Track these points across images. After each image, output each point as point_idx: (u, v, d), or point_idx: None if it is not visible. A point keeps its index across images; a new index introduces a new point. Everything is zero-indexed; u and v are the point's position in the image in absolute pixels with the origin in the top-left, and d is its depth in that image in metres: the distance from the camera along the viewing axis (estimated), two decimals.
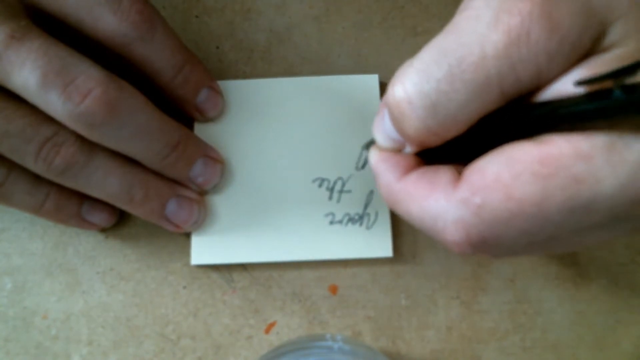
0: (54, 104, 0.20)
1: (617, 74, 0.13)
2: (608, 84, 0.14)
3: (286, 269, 0.26)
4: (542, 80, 0.16)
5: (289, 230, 0.26)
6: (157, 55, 0.23)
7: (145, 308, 0.26)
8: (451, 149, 0.19)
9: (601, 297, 0.26)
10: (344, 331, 0.26)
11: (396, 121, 0.18)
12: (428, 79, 0.16)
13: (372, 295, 0.26)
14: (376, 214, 0.26)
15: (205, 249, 0.26)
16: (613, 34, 0.15)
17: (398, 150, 0.20)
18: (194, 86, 0.25)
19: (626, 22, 0.15)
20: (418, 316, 0.26)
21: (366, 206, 0.26)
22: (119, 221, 0.27)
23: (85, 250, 0.27)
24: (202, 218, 0.26)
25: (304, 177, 0.26)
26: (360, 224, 0.26)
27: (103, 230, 0.27)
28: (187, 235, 0.26)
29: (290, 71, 0.29)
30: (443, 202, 0.17)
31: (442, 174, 0.18)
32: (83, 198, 0.25)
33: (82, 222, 0.25)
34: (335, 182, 0.26)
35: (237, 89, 0.27)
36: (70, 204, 0.25)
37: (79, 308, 0.26)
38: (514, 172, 0.16)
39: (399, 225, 0.27)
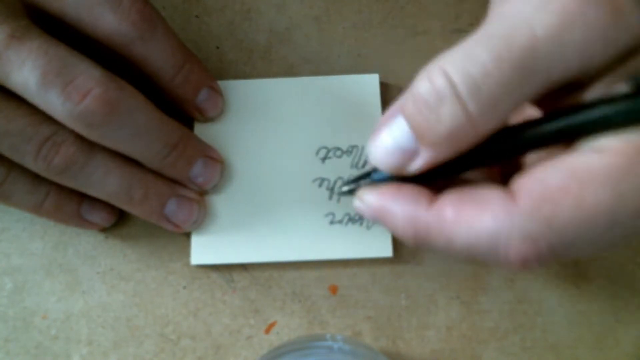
0: (53, 103, 0.20)
1: None
2: None
3: (286, 269, 0.26)
4: (591, 72, 0.15)
5: (289, 230, 0.26)
6: (157, 55, 0.23)
7: (145, 308, 0.26)
8: (455, 168, 0.17)
9: (601, 297, 0.26)
10: (344, 331, 0.26)
11: (426, 115, 0.16)
12: (471, 61, 0.15)
13: (372, 295, 0.26)
14: None
15: (205, 249, 0.26)
16: None
17: (402, 168, 0.18)
18: (194, 86, 0.25)
19: None
20: (418, 316, 0.26)
21: None
22: (118, 221, 0.27)
23: (86, 250, 0.27)
24: (201, 218, 0.26)
25: (304, 177, 0.26)
26: (361, 224, 0.26)
27: (103, 230, 0.27)
28: (187, 235, 0.26)
29: (290, 71, 0.29)
30: (503, 218, 0.16)
31: (490, 190, 0.17)
32: (83, 197, 0.25)
33: (82, 222, 0.25)
34: (335, 182, 0.26)
35: (237, 89, 0.27)
36: (69, 203, 0.25)
37: (79, 308, 0.26)
38: (582, 181, 0.15)
39: None
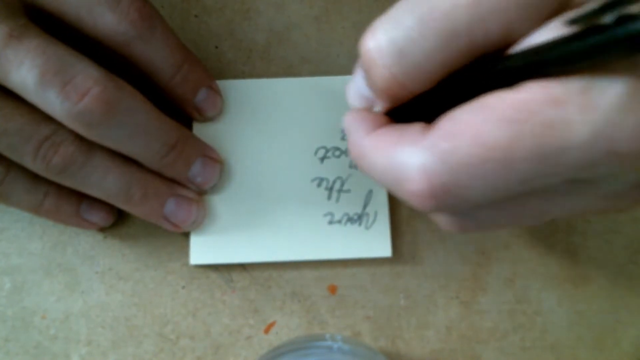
0: (52, 103, 0.20)
1: (599, 11, 0.12)
2: (593, 21, 0.13)
3: (285, 269, 0.26)
4: (514, 35, 0.15)
5: (288, 230, 0.26)
6: (156, 54, 0.23)
7: (144, 308, 0.26)
8: (422, 109, 0.18)
9: (601, 297, 0.26)
10: (344, 331, 0.26)
11: (367, 72, 0.18)
12: (398, 27, 0.16)
13: (371, 295, 0.26)
14: (375, 214, 0.26)
15: (204, 249, 0.26)
16: None
17: (370, 109, 0.19)
18: (192, 85, 0.25)
19: None
20: (417, 316, 0.26)
21: (365, 206, 0.26)
22: (117, 221, 0.27)
23: (84, 250, 0.27)
24: (200, 218, 0.26)
25: (303, 177, 0.26)
26: (360, 224, 0.26)
27: (102, 230, 0.27)
28: (186, 235, 0.26)
29: (289, 71, 0.29)
30: (409, 149, 0.16)
31: (413, 126, 0.17)
32: (82, 197, 0.25)
33: (81, 221, 0.25)
34: (334, 182, 0.26)
35: (236, 89, 0.27)
36: (68, 203, 0.25)
37: (78, 308, 0.26)
38: (485, 117, 0.15)
39: (398, 225, 0.27)
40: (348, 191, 0.26)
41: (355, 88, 0.20)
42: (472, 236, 0.26)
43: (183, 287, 0.26)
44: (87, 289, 0.26)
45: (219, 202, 0.26)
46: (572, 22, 0.13)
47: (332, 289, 0.26)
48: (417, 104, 0.18)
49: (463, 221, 0.19)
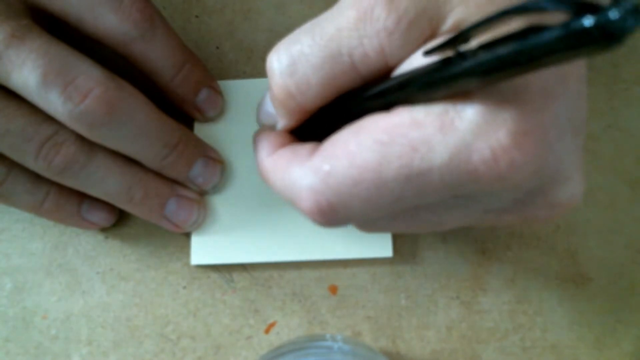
0: (54, 103, 0.20)
1: (452, 42, 0.14)
2: (450, 53, 0.14)
3: (286, 269, 0.26)
4: (390, 59, 0.17)
5: (288, 230, 0.26)
6: (157, 54, 0.23)
7: (145, 308, 0.26)
8: (317, 129, 0.20)
9: (601, 297, 0.26)
10: (344, 331, 0.26)
11: (269, 87, 0.19)
12: (295, 43, 0.18)
13: (372, 295, 0.26)
14: None
15: (205, 249, 0.26)
16: (452, 19, 0.16)
17: (273, 127, 0.21)
18: (193, 85, 0.25)
19: (466, 7, 0.15)
20: (418, 316, 0.26)
21: None
22: (118, 221, 0.27)
23: (85, 251, 0.27)
24: (201, 218, 0.26)
25: None
26: None
27: (103, 230, 0.27)
28: (187, 236, 0.26)
29: None
30: (298, 170, 0.18)
31: (304, 147, 0.19)
32: (83, 197, 0.25)
33: (82, 222, 0.25)
34: None
35: (237, 89, 0.27)
36: (70, 203, 0.25)
37: (78, 308, 0.26)
38: (359, 140, 0.16)
39: None
40: None
41: (264, 105, 0.21)
42: (473, 236, 0.26)
43: (184, 288, 0.26)
44: (88, 289, 0.26)
45: (219, 203, 0.26)
46: (427, 53, 0.15)
47: (333, 289, 0.26)
48: (312, 124, 0.20)
49: (367, 227, 0.20)
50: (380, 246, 0.25)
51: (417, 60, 0.16)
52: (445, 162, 0.15)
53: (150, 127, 0.23)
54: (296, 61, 0.18)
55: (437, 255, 0.26)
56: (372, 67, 0.17)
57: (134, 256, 0.27)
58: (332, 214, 0.17)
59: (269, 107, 0.21)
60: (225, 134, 0.27)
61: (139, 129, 0.22)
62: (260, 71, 0.29)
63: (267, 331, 0.26)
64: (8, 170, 0.23)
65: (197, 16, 0.29)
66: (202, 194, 0.26)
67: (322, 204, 0.17)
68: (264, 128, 0.22)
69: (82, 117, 0.21)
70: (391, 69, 0.17)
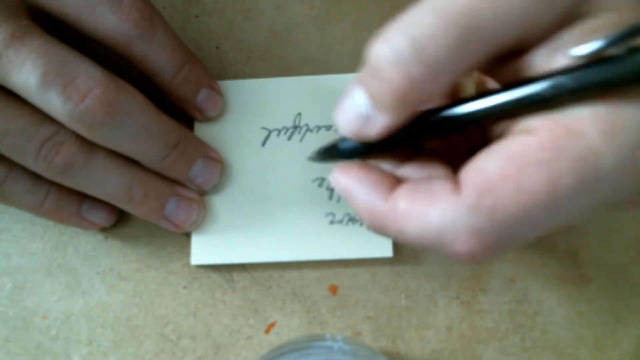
0: (53, 103, 0.20)
1: (623, 38, 0.13)
2: (607, 51, 0.13)
3: (286, 269, 0.26)
4: (529, 38, 0.16)
5: (289, 230, 0.26)
6: (157, 54, 0.23)
7: (145, 308, 0.26)
8: (412, 137, 0.18)
9: (601, 297, 0.26)
10: (344, 331, 0.26)
11: (374, 81, 0.17)
12: (416, 25, 0.15)
13: (372, 295, 0.26)
14: None
15: (205, 249, 0.26)
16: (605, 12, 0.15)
17: (362, 132, 0.18)
18: (193, 86, 0.25)
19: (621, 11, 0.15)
20: (418, 316, 0.26)
21: None
22: (118, 221, 0.27)
23: (85, 251, 0.27)
24: (201, 218, 0.26)
25: (304, 177, 0.26)
26: (361, 224, 0.26)
27: (103, 230, 0.27)
28: (187, 235, 0.26)
29: (290, 71, 0.29)
30: (449, 212, 0.16)
31: (439, 184, 0.17)
32: (83, 197, 0.25)
33: (82, 222, 0.25)
34: None
35: (237, 89, 0.27)
36: (70, 203, 0.25)
37: (78, 308, 0.26)
38: (518, 165, 0.15)
39: None
40: None
41: (350, 106, 0.18)
42: None
43: (184, 287, 0.26)
44: (88, 289, 0.26)
45: (219, 203, 0.26)
46: (581, 55, 0.14)
47: (333, 289, 0.26)
48: (416, 126, 0.18)
49: (507, 252, 0.19)
50: (380, 246, 0.25)
51: (554, 61, 0.15)
52: (616, 166, 0.14)
53: (150, 127, 0.23)
54: (423, 44, 0.15)
55: (437, 255, 0.26)
56: (511, 41, 0.15)
57: (134, 256, 0.27)
58: (497, 248, 0.16)
59: (362, 108, 0.17)
60: (225, 134, 0.27)
61: (138, 129, 0.22)
62: (260, 71, 0.29)
63: (267, 331, 0.26)
64: (8, 170, 0.23)
65: (197, 16, 0.29)
66: (202, 193, 0.26)
67: (486, 242, 0.16)
68: (353, 168, 0.19)
69: (82, 117, 0.21)
70: (527, 45, 0.16)
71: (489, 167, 0.16)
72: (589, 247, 0.26)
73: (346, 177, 0.19)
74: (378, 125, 0.17)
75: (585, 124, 0.14)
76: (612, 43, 0.13)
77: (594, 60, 0.14)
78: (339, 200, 0.26)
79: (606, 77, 0.13)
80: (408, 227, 0.17)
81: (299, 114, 0.27)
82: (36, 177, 0.23)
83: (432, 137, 0.18)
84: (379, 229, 0.18)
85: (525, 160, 0.15)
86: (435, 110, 0.17)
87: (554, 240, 0.26)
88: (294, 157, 0.27)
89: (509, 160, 0.15)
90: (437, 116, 0.17)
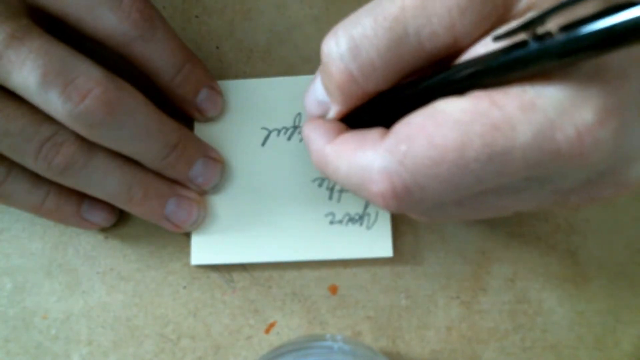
0: (53, 103, 0.20)
1: (527, 26, 0.14)
2: (523, 36, 0.14)
3: (286, 269, 0.26)
4: (460, 40, 0.16)
5: (289, 230, 0.26)
6: (157, 54, 0.23)
7: (145, 308, 0.26)
8: (374, 115, 0.19)
9: (601, 297, 0.26)
10: (344, 331, 0.26)
11: (325, 72, 0.19)
12: (356, 25, 0.17)
13: (372, 295, 0.26)
14: (376, 214, 0.26)
15: (205, 249, 0.26)
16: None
17: (323, 117, 0.21)
18: (193, 86, 0.25)
19: None
20: (418, 316, 0.26)
21: (366, 206, 0.26)
22: (118, 221, 0.27)
23: (85, 251, 0.27)
24: (201, 218, 0.26)
25: (304, 177, 0.26)
26: (361, 224, 0.26)
27: (103, 230, 0.27)
28: (187, 236, 0.26)
29: (290, 71, 0.29)
30: (370, 153, 0.17)
31: (372, 131, 0.18)
32: (83, 197, 0.25)
33: (82, 222, 0.25)
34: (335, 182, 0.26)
35: (237, 89, 0.27)
36: (70, 203, 0.25)
37: (78, 308, 0.26)
38: (437, 121, 0.16)
39: (399, 225, 0.27)
40: (349, 191, 0.26)
41: (313, 93, 0.21)
42: (473, 236, 0.26)
43: (184, 288, 0.26)
44: (88, 289, 0.26)
45: (219, 202, 0.26)
46: (497, 38, 0.15)
47: (333, 289, 0.26)
48: (370, 109, 0.20)
49: (426, 216, 0.20)
50: (380, 246, 0.25)
51: (485, 47, 0.16)
52: (528, 140, 0.15)
53: (150, 127, 0.23)
54: (358, 44, 0.17)
55: (437, 255, 0.26)
56: (440, 47, 0.17)
57: (134, 256, 0.27)
58: (406, 196, 0.17)
59: (319, 94, 0.20)
60: (225, 134, 0.27)
61: (138, 129, 0.22)
62: (260, 71, 0.29)
63: (267, 331, 0.26)
64: (8, 170, 0.23)
65: (197, 16, 0.29)
66: (202, 193, 0.26)
67: (397, 186, 0.17)
68: (314, 119, 0.21)
69: (82, 117, 0.21)
70: (459, 49, 0.17)
71: (414, 119, 0.17)
72: (589, 247, 0.26)
73: (307, 126, 0.21)
74: (332, 111, 0.20)
75: (509, 99, 0.15)
76: (526, 26, 0.14)
77: (512, 45, 0.15)
78: (339, 200, 0.26)
79: (519, 58, 0.14)
80: (339, 167, 0.19)
81: (299, 114, 0.27)
82: (36, 177, 0.23)
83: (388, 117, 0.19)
84: (322, 169, 0.20)
85: (444, 118, 0.16)
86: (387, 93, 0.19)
87: (553, 240, 0.26)
88: (294, 157, 0.27)
89: (432, 116, 0.16)
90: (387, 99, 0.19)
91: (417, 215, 0.21)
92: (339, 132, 0.20)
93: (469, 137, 0.15)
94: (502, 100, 0.15)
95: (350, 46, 0.17)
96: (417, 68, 0.18)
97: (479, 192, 0.17)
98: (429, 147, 0.16)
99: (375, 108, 0.19)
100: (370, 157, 0.17)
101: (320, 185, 0.26)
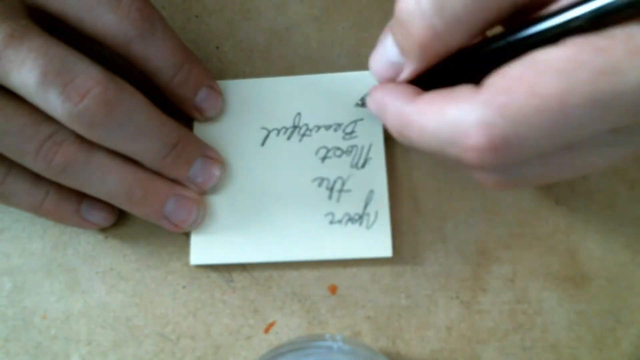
0: (53, 103, 0.20)
1: None
2: None
3: (286, 269, 0.26)
4: None
5: (288, 230, 0.26)
6: (156, 54, 0.23)
7: (145, 308, 0.26)
8: (454, 73, 0.19)
9: (601, 297, 0.26)
10: (344, 331, 0.26)
11: (402, 30, 0.18)
12: None
13: (371, 295, 0.26)
14: (376, 214, 0.26)
15: (204, 249, 0.26)
16: None
17: (394, 79, 0.20)
18: (193, 85, 0.25)
19: None
20: (418, 316, 0.26)
21: (366, 206, 0.26)
22: (118, 221, 0.27)
23: (85, 250, 0.27)
24: (201, 218, 0.26)
25: (304, 177, 0.26)
26: (360, 224, 0.26)
27: (103, 230, 0.27)
28: (187, 235, 0.26)
29: (290, 71, 0.29)
30: (465, 106, 0.17)
31: (461, 87, 0.18)
32: (82, 197, 0.25)
33: (82, 221, 0.25)
34: (335, 182, 0.26)
35: (236, 89, 0.27)
36: (69, 202, 0.25)
37: (78, 308, 0.26)
38: (537, 70, 0.15)
39: (399, 225, 0.27)
40: (349, 191, 0.26)
41: (383, 55, 0.20)
42: (473, 236, 0.26)
43: (183, 287, 0.26)
44: (87, 289, 0.26)
45: (219, 202, 0.26)
46: None
47: (333, 289, 0.26)
48: (448, 67, 0.19)
49: (506, 178, 0.19)
50: (380, 246, 0.25)
51: None
52: (637, 84, 0.14)
53: (150, 126, 0.23)
54: None
55: (437, 255, 0.26)
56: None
57: (134, 256, 0.27)
58: (503, 148, 0.16)
59: (391, 55, 0.20)
60: (225, 134, 0.27)
61: (138, 128, 0.22)
62: (260, 71, 0.29)
63: (266, 331, 0.26)
64: (7, 170, 0.23)
65: (197, 16, 0.29)
66: (202, 193, 0.26)
67: (494, 138, 0.16)
68: (384, 83, 0.20)
69: (81, 116, 0.21)
70: (546, 3, 0.16)
71: (510, 71, 0.16)
72: (588, 247, 0.26)
73: (379, 90, 0.20)
74: (407, 70, 0.19)
75: (615, 42, 0.15)
76: None
77: None
78: (338, 200, 0.26)
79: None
80: (426, 125, 0.18)
81: (299, 113, 0.27)
82: (36, 177, 0.23)
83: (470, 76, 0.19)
84: (402, 131, 0.19)
85: (545, 67, 0.15)
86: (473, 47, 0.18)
87: (553, 240, 0.26)
88: (293, 157, 0.27)
89: (530, 66, 0.16)
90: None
91: (495, 175, 0.19)
92: (416, 94, 0.19)
93: (573, 84, 0.15)
94: (607, 46, 0.15)
95: (433, 1, 0.17)
96: (500, 19, 0.17)
97: (570, 145, 0.17)
98: (530, 96, 0.15)
99: (454, 65, 0.19)
100: (465, 110, 0.17)
101: (320, 185, 0.26)
